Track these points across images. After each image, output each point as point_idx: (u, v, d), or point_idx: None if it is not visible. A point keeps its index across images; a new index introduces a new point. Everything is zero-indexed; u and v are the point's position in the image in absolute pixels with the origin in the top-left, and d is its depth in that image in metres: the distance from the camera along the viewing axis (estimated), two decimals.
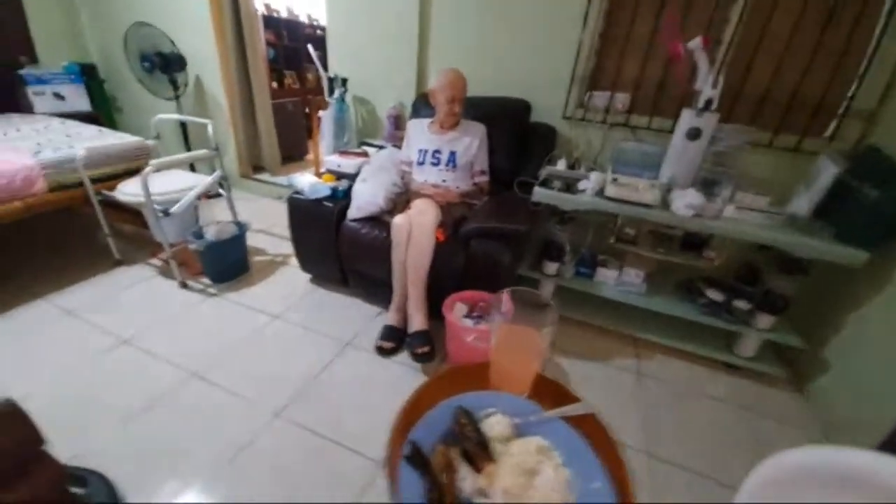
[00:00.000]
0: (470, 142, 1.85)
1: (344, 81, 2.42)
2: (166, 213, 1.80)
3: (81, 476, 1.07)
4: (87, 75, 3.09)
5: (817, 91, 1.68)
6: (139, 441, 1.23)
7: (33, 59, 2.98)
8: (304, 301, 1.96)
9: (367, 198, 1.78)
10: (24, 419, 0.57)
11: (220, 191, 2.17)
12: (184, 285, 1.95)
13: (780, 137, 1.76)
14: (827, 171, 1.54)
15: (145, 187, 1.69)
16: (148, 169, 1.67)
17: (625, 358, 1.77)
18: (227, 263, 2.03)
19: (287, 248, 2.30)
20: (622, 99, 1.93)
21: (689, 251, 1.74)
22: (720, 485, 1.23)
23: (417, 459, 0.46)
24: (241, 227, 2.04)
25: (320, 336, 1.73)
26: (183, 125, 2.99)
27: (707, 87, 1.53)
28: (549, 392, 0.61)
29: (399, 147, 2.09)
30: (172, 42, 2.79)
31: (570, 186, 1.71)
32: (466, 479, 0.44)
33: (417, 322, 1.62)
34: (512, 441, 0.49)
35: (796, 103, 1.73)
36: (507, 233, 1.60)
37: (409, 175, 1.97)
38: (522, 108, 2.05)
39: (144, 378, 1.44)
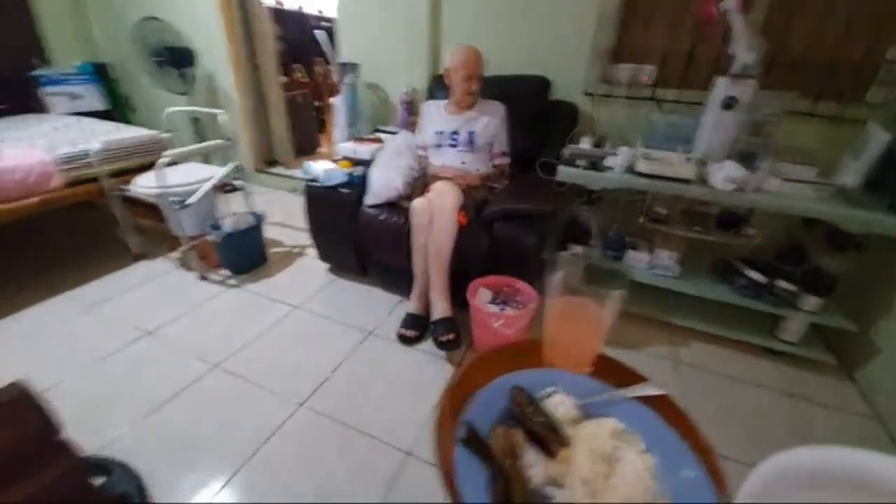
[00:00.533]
0: (489, 121, 1.78)
1: (355, 67, 2.35)
2: (183, 204, 1.77)
3: (104, 465, 1.05)
4: (101, 75, 3.09)
5: (860, 54, 1.56)
6: (163, 431, 1.20)
7: (45, 61, 2.99)
8: (323, 291, 1.92)
9: (384, 182, 1.72)
10: (35, 407, 0.53)
11: (236, 182, 2.14)
12: (203, 277, 1.93)
13: (820, 105, 1.64)
14: (877, 139, 1.42)
15: (161, 178, 1.66)
16: (162, 160, 1.64)
17: (658, 345, 1.69)
18: (245, 254, 2.01)
19: (303, 239, 2.27)
20: (648, 71, 1.82)
21: (725, 229, 1.64)
22: None
23: (475, 443, 0.40)
24: (258, 218, 2.01)
25: (341, 326, 1.68)
26: (196, 120, 2.97)
27: (743, 51, 1.43)
28: (611, 371, 0.55)
29: (413, 131, 2.02)
30: (181, 36, 2.76)
31: (595, 164, 1.62)
32: (536, 466, 0.38)
33: (441, 309, 1.56)
34: (580, 423, 0.43)
35: (838, 68, 1.60)
36: (532, 214, 1.52)
37: (425, 160, 1.90)
38: (541, 85, 1.96)
39: (167, 369, 1.42)
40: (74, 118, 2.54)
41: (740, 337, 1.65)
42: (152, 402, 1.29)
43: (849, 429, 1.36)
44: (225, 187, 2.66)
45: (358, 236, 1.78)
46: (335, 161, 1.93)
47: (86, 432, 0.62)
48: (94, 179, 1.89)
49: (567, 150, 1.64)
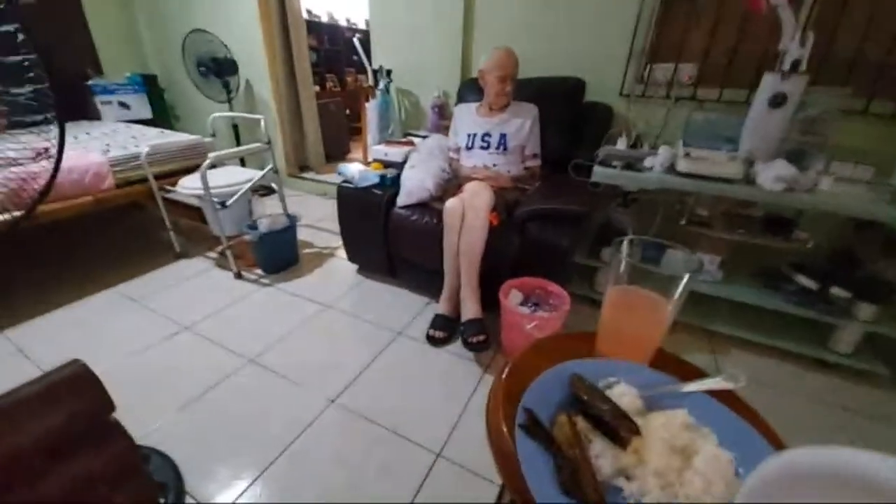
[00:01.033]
0: (521, 123, 1.76)
1: (388, 73, 2.40)
2: (223, 204, 1.84)
3: (145, 454, 1.08)
4: (149, 85, 3.28)
5: None
6: (198, 422, 1.23)
7: (99, 71, 3.20)
8: (352, 291, 1.94)
9: (416, 183, 1.73)
10: (95, 383, 0.55)
11: (272, 184, 2.21)
12: (238, 276, 1.99)
13: (875, 103, 1.54)
14: None
15: (204, 179, 1.73)
16: (207, 162, 1.71)
17: (699, 353, 1.61)
18: (279, 254, 2.06)
19: (334, 241, 2.31)
20: (688, 70, 1.77)
21: (772, 232, 1.55)
22: None
23: (536, 430, 0.38)
24: (292, 219, 2.06)
25: (370, 325, 1.69)
26: (235, 127, 3.10)
27: (794, 46, 1.36)
28: (670, 366, 0.52)
29: (444, 135, 2.03)
30: (226, 47, 2.90)
31: (632, 165, 1.58)
32: (604, 456, 0.36)
33: (471, 310, 1.54)
34: (646, 415, 0.41)
35: (893, 65, 1.51)
36: (566, 215, 1.49)
37: (456, 162, 1.91)
38: (576, 86, 1.94)
39: (204, 363, 1.46)
40: (124, 124, 2.70)
41: (789, 347, 1.56)
42: (189, 395, 1.33)
43: None
44: (260, 190, 2.75)
45: (389, 237, 1.79)
46: (367, 163, 1.96)
47: (126, 421, 0.63)
48: (142, 181, 1.99)
49: (602, 151, 1.61)
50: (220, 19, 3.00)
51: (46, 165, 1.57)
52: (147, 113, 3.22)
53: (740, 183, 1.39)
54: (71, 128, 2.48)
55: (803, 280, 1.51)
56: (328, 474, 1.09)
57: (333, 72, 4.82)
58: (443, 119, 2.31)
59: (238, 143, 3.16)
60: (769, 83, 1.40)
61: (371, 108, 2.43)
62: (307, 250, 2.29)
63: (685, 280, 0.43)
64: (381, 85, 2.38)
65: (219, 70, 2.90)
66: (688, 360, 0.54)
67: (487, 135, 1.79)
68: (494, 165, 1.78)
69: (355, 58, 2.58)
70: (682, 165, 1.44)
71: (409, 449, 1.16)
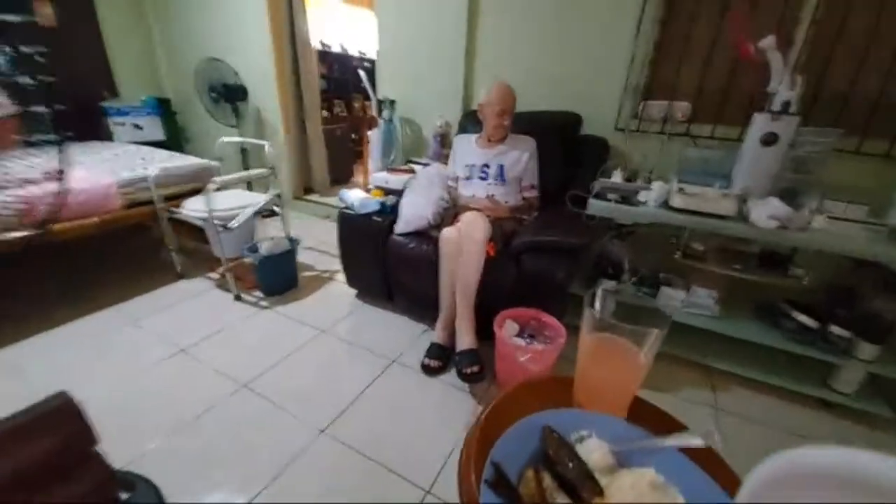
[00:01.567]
0: (519, 155, 1.80)
1: (392, 103, 2.48)
2: (226, 227, 1.87)
3: (130, 481, 1.07)
4: (163, 108, 3.40)
5: None
6: (188, 449, 1.22)
7: (114, 93, 3.33)
8: (350, 316, 1.95)
9: (414, 211, 1.76)
10: (78, 415, 0.55)
11: (276, 208, 2.25)
12: (238, 298, 2.01)
13: (868, 142, 1.57)
14: None
15: (209, 202, 1.77)
16: (212, 185, 1.76)
17: (697, 389, 1.59)
18: (279, 277, 2.08)
19: (333, 264, 2.33)
20: (682, 108, 1.81)
21: (769, 269, 1.55)
22: None
23: (502, 486, 0.38)
24: (293, 243, 2.09)
25: (366, 352, 1.69)
26: (243, 150, 3.19)
27: (783, 88, 1.40)
28: (648, 417, 0.52)
29: (445, 164, 2.08)
30: (237, 74, 3.02)
31: (627, 199, 1.60)
32: None
33: (466, 340, 1.54)
34: (616, 472, 0.40)
35: (884, 105, 1.54)
36: (562, 247, 1.51)
37: (455, 191, 1.94)
38: (572, 121, 1.99)
39: (197, 387, 1.46)
40: (134, 146, 2.78)
41: (789, 385, 1.53)
42: (179, 419, 1.32)
43: None
44: (263, 212, 2.80)
45: (387, 263, 1.81)
46: (368, 190, 2.00)
47: (115, 446, 0.64)
48: (148, 202, 2.04)
49: (598, 184, 1.63)
50: (234, 47, 3.13)
51: (56, 187, 1.62)
52: (159, 135, 3.33)
53: (734, 220, 1.40)
54: (83, 148, 2.57)
55: (802, 318, 1.50)
56: None
57: (342, 97, 4.96)
58: (444, 148, 2.37)
59: (246, 166, 3.24)
60: (760, 123, 1.44)
61: (374, 136, 2.50)
62: (307, 273, 2.31)
63: (654, 334, 0.44)
64: (385, 114, 2.45)
65: (230, 96, 3.01)
66: (665, 412, 0.54)
67: (486, 165, 1.83)
68: (492, 196, 1.81)
69: (362, 85, 2.67)
70: (676, 201, 1.46)
71: (398, 485, 1.14)
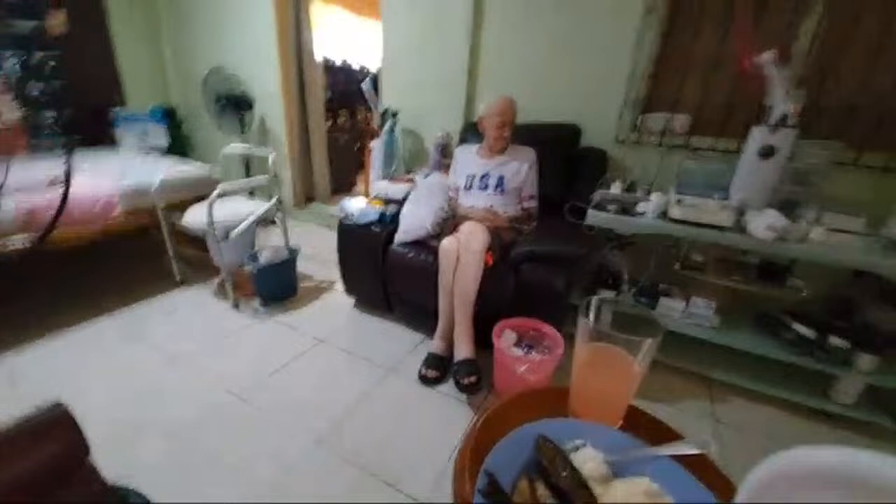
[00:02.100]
0: (519, 166, 1.82)
1: (395, 114, 2.51)
2: (227, 236, 1.88)
3: (121, 494, 1.06)
4: (168, 116, 3.44)
5: None
6: (183, 461, 1.21)
7: (122, 101, 3.37)
8: (348, 326, 1.94)
9: (414, 221, 1.77)
10: (73, 425, 0.55)
11: (276, 217, 2.27)
12: (236, 306, 2.01)
13: (867, 155, 1.58)
14: None
15: (211, 210, 1.79)
16: (215, 193, 1.78)
17: (697, 400, 1.57)
18: (278, 286, 2.08)
19: (333, 273, 2.33)
20: (681, 120, 1.84)
21: (768, 280, 1.55)
22: None
23: (495, 496, 0.38)
24: (293, 252, 2.09)
25: (363, 362, 1.68)
26: (246, 159, 3.21)
27: (780, 102, 1.42)
28: (643, 426, 0.52)
29: (446, 174, 2.09)
30: (244, 85, 3.06)
31: (626, 209, 1.61)
32: None
33: (464, 350, 1.53)
34: (610, 482, 0.40)
35: (883, 119, 1.56)
36: (561, 257, 1.51)
37: (455, 201, 1.96)
38: (572, 132, 2.01)
39: (192, 396, 1.45)
40: (140, 154, 2.81)
41: (788, 396, 1.52)
42: (175, 429, 1.31)
43: None
44: (264, 220, 2.81)
45: (386, 273, 1.81)
46: (368, 200, 2.01)
47: (108, 457, 0.64)
48: (150, 210, 2.05)
49: (597, 195, 1.64)
50: (242, 59, 3.18)
51: (58, 193, 1.63)
52: (164, 142, 3.36)
53: (731, 231, 1.41)
54: (88, 155, 2.59)
55: (801, 329, 1.49)
56: None
57: (345, 107, 5.02)
58: (445, 158, 2.39)
59: (248, 175, 3.26)
60: (758, 136, 1.45)
61: (376, 147, 2.53)
62: (306, 282, 2.31)
63: (648, 343, 0.44)
64: (388, 125, 2.48)
65: (236, 105, 3.05)
66: (661, 420, 0.54)
67: (486, 176, 1.85)
68: (491, 206, 1.82)
69: (366, 97, 2.71)
70: (675, 212, 1.47)
71: (394, 497, 1.13)
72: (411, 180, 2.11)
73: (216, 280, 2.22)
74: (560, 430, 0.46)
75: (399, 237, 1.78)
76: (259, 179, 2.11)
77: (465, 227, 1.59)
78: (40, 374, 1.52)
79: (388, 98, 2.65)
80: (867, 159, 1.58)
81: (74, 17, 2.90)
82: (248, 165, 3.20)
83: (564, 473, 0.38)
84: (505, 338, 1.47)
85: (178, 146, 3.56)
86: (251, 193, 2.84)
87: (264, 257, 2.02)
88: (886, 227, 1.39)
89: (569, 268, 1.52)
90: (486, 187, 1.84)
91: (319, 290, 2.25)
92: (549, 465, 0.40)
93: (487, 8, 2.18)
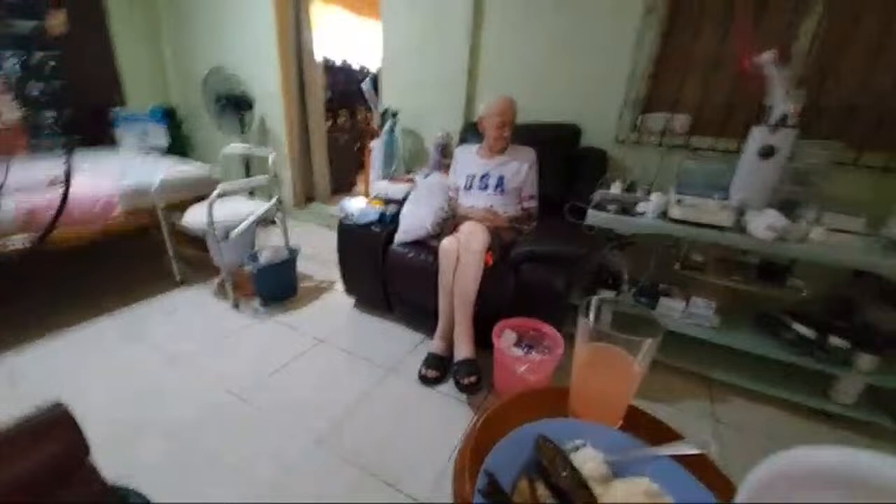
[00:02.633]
0: (519, 166, 1.82)
1: (395, 114, 2.51)
2: (227, 236, 1.88)
3: (122, 495, 1.06)
4: (168, 117, 3.44)
5: None
6: (183, 461, 1.21)
7: (122, 101, 3.37)
8: (348, 326, 1.94)
9: (414, 221, 1.77)
10: (73, 425, 0.55)
11: (276, 218, 2.27)
12: (236, 306, 2.01)
13: (867, 155, 1.58)
14: None
15: (211, 210, 1.79)
16: (215, 193, 1.78)
17: (697, 400, 1.57)
18: (278, 286, 2.08)
19: (333, 274, 2.33)
20: (681, 120, 1.84)
21: (768, 280, 1.55)
22: None
23: (495, 496, 0.38)
24: (293, 252, 2.10)
25: (363, 362, 1.68)
26: (246, 159, 3.22)
27: (780, 102, 1.42)
28: (643, 426, 0.52)
29: (446, 174, 2.09)
30: (244, 85, 3.06)
31: (626, 210, 1.61)
32: None
33: (464, 350, 1.53)
34: (610, 482, 0.40)
35: (883, 119, 1.56)
36: (560, 256, 1.51)
37: (455, 201, 1.95)
38: (572, 133, 2.01)
39: (192, 396, 1.45)
40: (140, 154, 2.81)
41: (788, 396, 1.52)
42: (174, 429, 1.31)
43: None
44: (264, 220, 2.81)
45: (386, 273, 1.81)
46: (368, 200, 2.01)
47: (108, 457, 0.64)
48: (150, 210, 2.05)
49: (597, 195, 1.64)
50: (242, 60, 3.18)
51: (58, 193, 1.63)
52: (164, 143, 3.36)
53: (731, 231, 1.41)
54: (88, 155, 2.59)
55: (801, 329, 1.49)
56: None
57: (345, 107, 5.02)
58: (445, 158, 2.39)
59: (248, 175, 3.26)
60: (758, 135, 1.45)
61: (376, 147, 2.53)
62: (306, 282, 2.32)
63: (648, 343, 0.44)
64: (388, 125, 2.48)
65: (236, 105, 3.05)
66: (661, 420, 0.54)
67: (486, 176, 1.85)
68: (491, 206, 1.82)
69: (366, 97, 2.71)
70: (675, 212, 1.47)
71: (393, 497, 1.13)
72: (411, 180, 2.11)
73: (216, 280, 2.22)
74: (560, 430, 0.46)
75: (399, 237, 1.78)
76: (259, 179, 2.11)
77: (465, 227, 1.59)
78: (40, 374, 1.52)
79: (388, 98, 2.65)
80: (867, 159, 1.58)
81: (74, 17, 2.90)
82: (248, 165, 3.20)
83: (564, 473, 0.38)
84: (505, 338, 1.47)
85: (178, 146, 3.56)
86: (251, 193, 2.84)
87: (264, 257, 2.02)
88: (886, 227, 1.39)
89: (569, 268, 1.52)
90: (486, 187, 1.84)
91: (319, 290, 2.25)
92: (549, 465, 0.40)
93: (487, 8, 2.18)
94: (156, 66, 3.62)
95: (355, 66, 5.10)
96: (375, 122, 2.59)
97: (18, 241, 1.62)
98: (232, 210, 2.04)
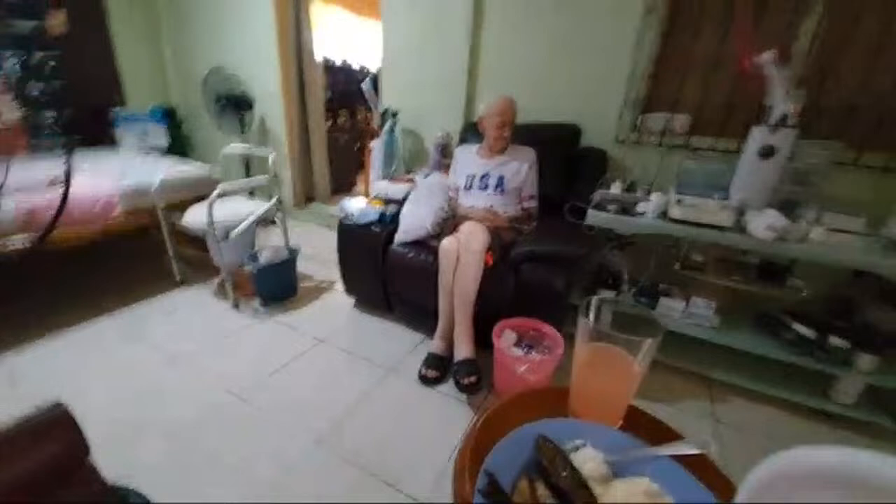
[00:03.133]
0: (519, 166, 1.82)
1: (395, 114, 2.51)
2: (227, 236, 1.88)
3: (122, 495, 1.06)
4: (168, 117, 3.44)
5: None
6: (183, 461, 1.21)
7: (122, 101, 3.37)
8: (348, 326, 1.94)
9: (414, 221, 1.77)
10: (73, 425, 0.55)
11: (276, 218, 2.27)
12: (236, 306, 2.01)
13: (867, 155, 1.58)
14: None
15: (211, 210, 1.79)
16: (215, 193, 1.78)
17: (696, 400, 1.57)
18: (278, 286, 2.08)
19: (333, 273, 2.33)
20: (681, 120, 1.84)
21: (768, 280, 1.55)
22: None
23: (495, 496, 0.38)
24: (293, 252, 2.10)
25: (363, 362, 1.68)
26: (246, 159, 3.22)
27: (780, 102, 1.42)
28: (643, 426, 0.52)
29: (446, 174, 2.09)
30: (244, 85, 3.06)
31: (626, 209, 1.61)
32: None
33: (464, 350, 1.53)
34: (610, 482, 0.40)
35: (883, 119, 1.56)
36: (560, 257, 1.51)
37: (455, 201, 1.95)
38: (572, 133, 2.01)
39: (192, 396, 1.45)
40: (140, 154, 2.82)
41: (788, 396, 1.52)
42: (174, 429, 1.31)
43: None
44: (264, 220, 2.81)
45: (386, 273, 1.81)
46: (368, 200, 2.01)
47: (108, 457, 0.64)
48: (151, 210, 2.05)
49: (597, 195, 1.64)
50: (242, 60, 3.18)
51: (58, 193, 1.63)
52: (164, 143, 3.36)
53: (731, 231, 1.41)
54: (88, 155, 2.59)
55: (801, 329, 1.49)
56: None
57: (345, 107, 5.02)
58: (445, 158, 2.39)
59: (248, 175, 3.26)
60: (758, 135, 1.45)
61: (376, 147, 2.53)
62: (306, 282, 2.32)
63: (648, 343, 0.44)
64: (388, 125, 2.48)
65: (236, 105, 3.05)
66: (661, 420, 0.54)
67: (486, 176, 1.85)
68: (491, 206, 1.82)
69: (366, 97, 2.71)
70: (675, 212, 1.47)
71: (393, 497, 1.13)
72: (411, 180, 2.11)
73: (216, 280, 2.22)
74: (560, 430, 0.46)
75: (399, 237, 1.78)
76: (259, 179, 2.11)
77: (465, 227, 1.59)
78: (40, 374, 1.52)
79: (388, 98, 2.65)
80: (867, 159, 1.58)
81: (74, 17, 2.90)
82: (248, 165, 3.20)
83: (564, 473, 0.38)
84: (505, 338, 1.47)
85: (178, 146, 3.56)
86: (251, 193, 2.85)
87: (264, 257, 2.02)
88: (886, 227, 1.39)
89: (569, 268, 1.52)
90: (486, 187, 1.84)
91: (319, 290, 2.25)
92: (549, 465, 0.40)
93: (487, 8, 2.18)
94: (156, 66, 3.62)
95: (355, 66, 5.10)
96: (375, 122, 2.59)
97: (18, 241, 1.62)
98: (232, 210, 2.04)
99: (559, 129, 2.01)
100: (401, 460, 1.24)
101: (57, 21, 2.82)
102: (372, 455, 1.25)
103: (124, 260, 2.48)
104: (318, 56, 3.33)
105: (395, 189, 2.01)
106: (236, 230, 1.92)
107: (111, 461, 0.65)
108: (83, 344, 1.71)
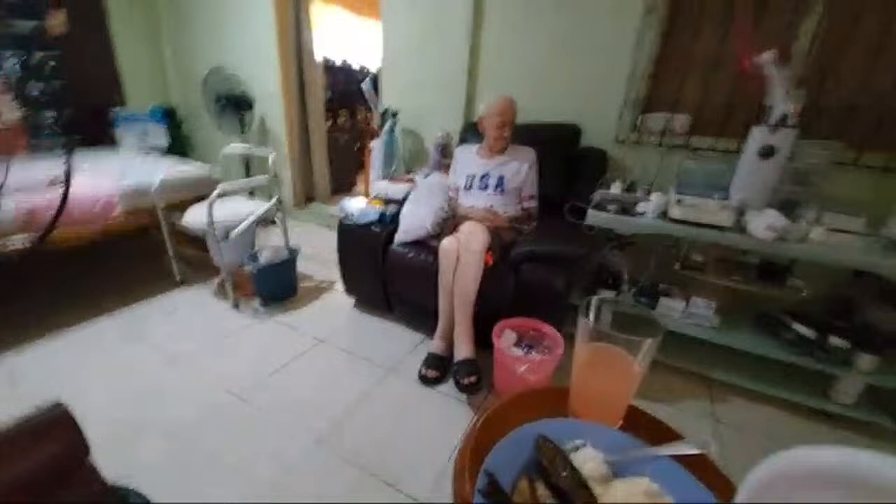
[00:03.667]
0: (519, 166, 1.82)
1: (395, 114, 2.51)
2: (227, 236, 1.88)
3: (122, 495, 1.06)
4: (168, 117, 3.44)
5: None
6: (183, 461, 1.21)
7: (122, 101, 3.38)
8: (348, 326, 1.94)
9: (414, 221, 1.77)
10: (73, 425, 0.55)
11: (276, 218, 2.27)
12: (236, 306, 2.01)
13: (867, 155, 1.58)
14: None
15: (211, 210, 1.79)
16: (215, 193, 1.78)
17: (696, 400, 1.57)
18: (278, 286, 2.08)
19: (333, 273, 2.33)
20: (681, 120, 1.84)
21: (768, 280, 1.55)
22: None
23: (495, 496, 0.38)
24: (292, 252, 2.10)
25: (363, 362, 1.68)
26: (246, 159, 3.21)
27: (780, 102, 1.42)
28: (643, 426, 0.52)
29: (446, 174, 2.09)
30: (244, 85, 3.06)
31: (626, 210, 1.61)
32: None
33: (464, 350, 1.53)
34: (610, 482, 0.40)
35: (883, 119, 1.56)
36: (560, 257, 1.51)
37: (455, 201, 1.96)
38: (572, 133, 2.01)
39: (192, 396, 1.45)
40: (140, 154, 2.82)
41: (788, 396, 1.52)
42: (174, 429, 1.31)
43: None
44: (264, 220, 2.81)
45: (386, 273, 1.81)
46: (368, 200, 2.01)
47: (108, 457, 0.64)
48: (151, 211, 2.05)
49: (597, 195, 1.64)
50: (242, 60, 3.18)
51: (58, 193, 1.63)
52: (164, 143, 3.36)
53: (731, 231, 1.41)
54: (88, 155, 2.59)
55: (801, 329, 1.49)
56: None
57: (345, 107, 5.01)
58: (445, 158, 2.39)
59: (248, 175, 3.26)
60: (758, 135, 1.45)
61: (376, 147, 2.53)
62: (306, 282, 2.32)
63: (648, 343, 0.44)
64: (388, 125, 2.48)
65: (236, 105, 3.05)
66: (662, 420, 0.54)
67: (486, 176, 1.85)
68: (491, 206, 1.82)
69: (366, 97, 2.71)
70: (675, 212, 1.47)
71: (393, 497, 1.13)
72: (411, 180, 2.11)
73: (216, 280, 2.22)
74: (560, 430, 0.46)
75: (399, 237, 1.78)
76: (259, 179, 2.11)
77: (465, 227, 1.59)
78: (40, 374, 1.52)
79: (388, 98, 2.65)
80: (867, 159, 1.58)
81: (74, 17, 2.90)
82: (248, 165, 3.20)
83: (564, 473, 0.38)
84: (505, 338, 1.47)
85: (178, 146, 3.56)
86: (251, 193, 2.85)
87: (264, 257, 2.02)
88: (886, 227, 1.39)
89: (569, 268, 1.52)
90: (486, 187, 1.84)
91: (319, 290, 2.25)
92: (549, 465, 0.40)
93: (487, 8, 2.18)
94: (156, 66, 3.62)
95: (355, 66, 5.10)
96: (375, 122, 2.59)
97: (18, 241, 1.62)
98: (232, 210, 2.04)
99: (559, 129, 2.01)
100: (401, 460, 1.24)
101: (57, 21, 2.82)
102: (372, 455, 1.25)
103: (124, 260, 2.48)
104: (318, 56, 3.33)
105: (395, 189, 2.01)
106: (236, 230, 1.92)
107: (111, 461, 0.65)
108: (83, 344, 1.71)
